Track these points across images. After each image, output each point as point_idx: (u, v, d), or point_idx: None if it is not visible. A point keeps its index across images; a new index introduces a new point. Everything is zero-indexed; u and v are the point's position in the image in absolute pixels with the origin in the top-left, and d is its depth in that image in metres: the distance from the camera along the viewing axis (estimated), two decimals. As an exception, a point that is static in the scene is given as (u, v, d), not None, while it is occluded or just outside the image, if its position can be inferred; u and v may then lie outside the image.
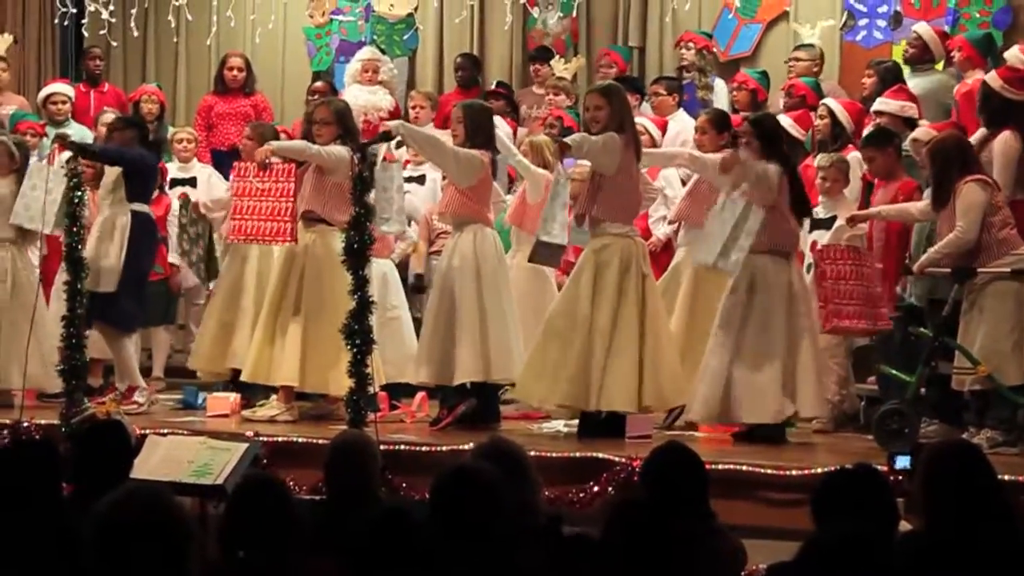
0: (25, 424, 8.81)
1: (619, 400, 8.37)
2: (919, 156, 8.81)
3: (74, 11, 12.74)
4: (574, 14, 12.75)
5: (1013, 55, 9.35)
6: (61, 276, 9.31)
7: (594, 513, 6.74)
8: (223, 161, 11.31)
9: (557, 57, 12.36)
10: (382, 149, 9.93)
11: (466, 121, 8.92)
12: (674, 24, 12.38)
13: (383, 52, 12.49)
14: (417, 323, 9.58)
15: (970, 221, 8.06)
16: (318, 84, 12.13)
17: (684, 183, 9.80)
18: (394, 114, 11.49)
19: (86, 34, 12.96)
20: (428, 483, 4.65)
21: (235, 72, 12.08)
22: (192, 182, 11.01)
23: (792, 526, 5.95)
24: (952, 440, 6.15)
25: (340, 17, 13.17)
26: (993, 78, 8.75)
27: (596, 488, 7.49)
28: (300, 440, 8.33)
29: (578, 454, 7.85)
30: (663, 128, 10.47)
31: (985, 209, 8.09)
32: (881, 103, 9.53)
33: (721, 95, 11.54)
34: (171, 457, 7.04)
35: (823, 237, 8.94)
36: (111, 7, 12.51)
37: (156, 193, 10.17)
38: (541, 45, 12.67)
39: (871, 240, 8.97)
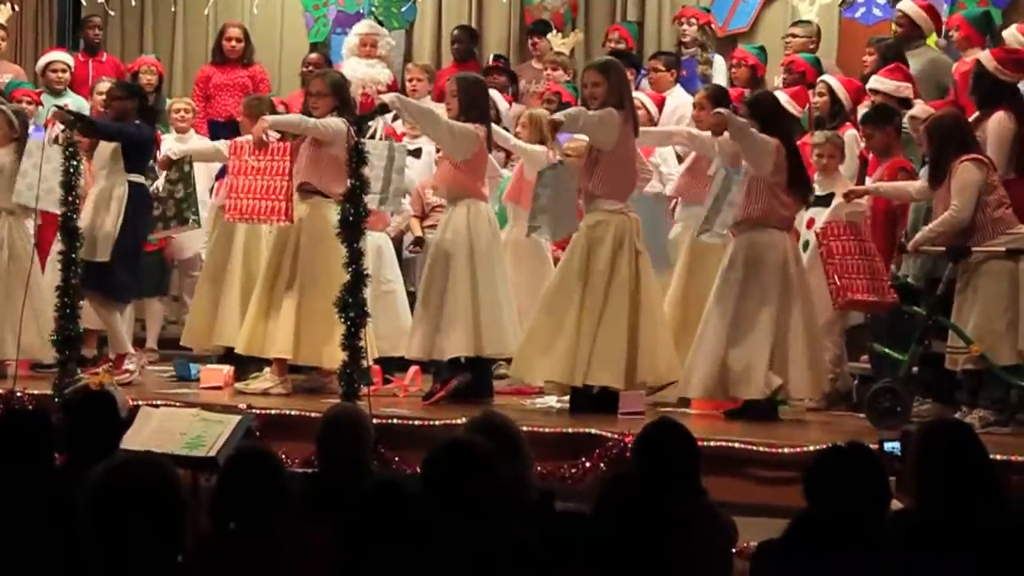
0: (18, 394, 8.81)
1: (606, 375, 8.37)
2: (916, 134, 8.80)
3: (72, -21, 12.72)
4: (574, -12, 12.75)
5: (1011, 34, 9.34)
6: (56, 246, 9.30)
7: (586, 489, 6.73)
8: (220, 132, 11.23)
9: (555, 31, 12.33)
10: (379, 124, 9.93)
11: (460, 94, 8.89)
12: (672, -1, 12.38)
13: (381, 24, 12.45)
14: (411, 297, 9.58)
15: (965, 200, 8.05)
16: (313, 56, 12.11)
17: (681, 160, 9.80)
18: (392, 88, 11.46)
19: (84, 3, 12.92)
20: (421, 457, 4.65)
21: (233, 43, 12.04)
22: (188, 156, 10.97)
23: (783, 503, 5.96)
24: (944, 419, 6.14)
25: (337, -12, 13.14)
26: (987, 58, 8.71)
27: (588, 464, 7.49)
28: (293, 413, 8.33)
29: (570, 430, 7.85)
30: (660, 104, 10.44)
31: (980, 188, 8.08)
32: (876, 81, 9.50)
33: (720, 71, 11.53)
34: (164, 429, 7.04)
35: (819, 215, 8.93)
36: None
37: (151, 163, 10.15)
38: (539, 19, 12.64)
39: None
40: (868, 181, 9.12)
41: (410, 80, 11.50)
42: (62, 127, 9.17)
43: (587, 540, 4.21)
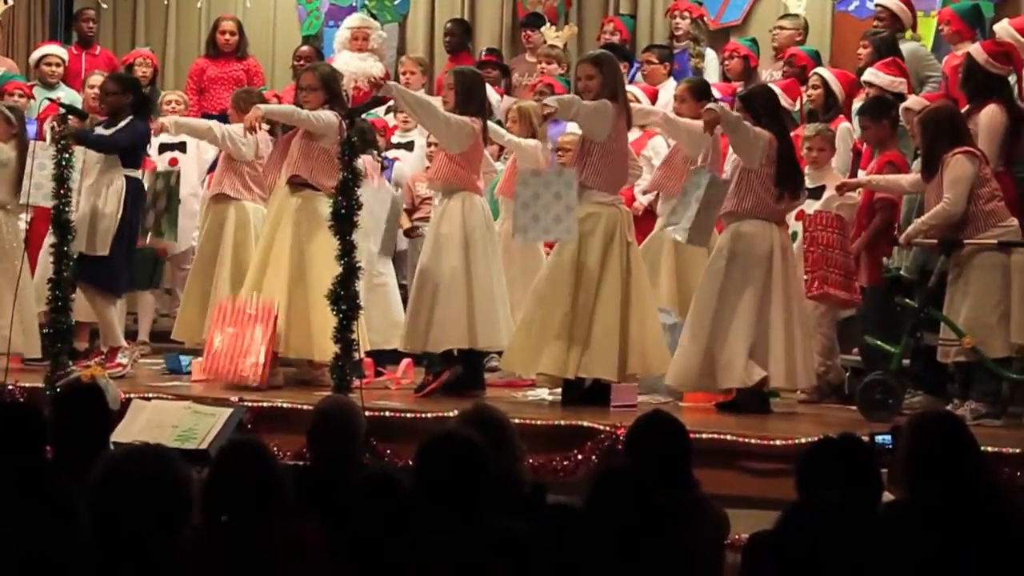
0: (9, 387, 8.81)
1: (599, 368, 8.37)
2: (910, 125, 8.81)
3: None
4: (567, -19, 12.73)
5: (1002, 28, 9.34)
6: (49, 240, 9.28)
7: (578, 481, 6.75)
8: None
9: (548, 24, 12.32)
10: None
11: (457, 87, 8.88)
12: (665, -8, 12.37)
13: (373, 17, 12.43)
14: (403, 290, 9.58)
15: (957, 193, 8.06)
16: (304, 49, 12.10)
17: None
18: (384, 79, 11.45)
19: (76, -4, 12.92)
20: (413, 449, 4.65)
21: (227, 36, 12.03)
22: (182, 147, 10.91)
23: (776, 496, 5.96)
24: (935, 411, 6.15)
25: (330, -20, 13.12)
26: (978, 51, 8.73)
27: (580, 456, 7.50)
28: (285, 405, 8.32)
29: (562, 422, 7.85)
30: (653, 97, 10.44)
31: (973, 181, 8.09)
32: (871, 74, 9.52)
33: (711, 65, 11.53)
34: (156, 421, 7.05)
35: (809, 207, 8.91)
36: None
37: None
38: (532, 11, 12.63)
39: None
40: (861, 174, 9.13)
41: (403, 73, 11.50)
42: (54, 121, 9.15)
43: (578, 533, 4.21)
